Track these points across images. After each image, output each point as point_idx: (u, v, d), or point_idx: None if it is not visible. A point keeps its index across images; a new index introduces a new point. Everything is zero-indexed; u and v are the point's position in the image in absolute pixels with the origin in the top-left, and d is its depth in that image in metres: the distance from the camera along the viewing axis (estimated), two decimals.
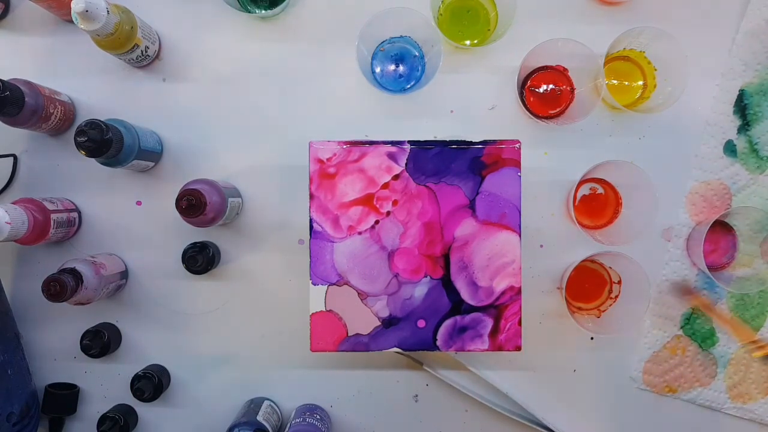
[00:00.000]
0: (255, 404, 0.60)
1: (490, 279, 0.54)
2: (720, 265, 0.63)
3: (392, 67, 0.62)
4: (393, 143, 0.54)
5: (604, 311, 0.62)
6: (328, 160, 0.54)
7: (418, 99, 0.62)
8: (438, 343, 0.54)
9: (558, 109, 0.63)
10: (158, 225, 0.63)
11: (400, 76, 0.62)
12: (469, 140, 0.54)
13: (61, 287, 0.51)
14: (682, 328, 0.63)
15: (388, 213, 0.54)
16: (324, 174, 0.54)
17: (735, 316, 0.41)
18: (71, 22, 0.60)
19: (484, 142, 0.54)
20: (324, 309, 0.54)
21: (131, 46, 0.56)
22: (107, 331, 0.60)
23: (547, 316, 0.63)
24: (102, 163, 0.54)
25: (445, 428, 0.64)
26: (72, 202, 0.62)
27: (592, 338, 0.63)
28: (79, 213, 0.63)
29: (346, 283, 0.54)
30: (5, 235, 0.50)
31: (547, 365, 0.63)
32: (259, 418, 0.57)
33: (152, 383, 0.58)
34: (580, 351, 0.63)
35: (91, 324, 0.61)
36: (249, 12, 0.61)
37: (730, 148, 0.63)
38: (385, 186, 0.54)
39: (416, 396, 0.64)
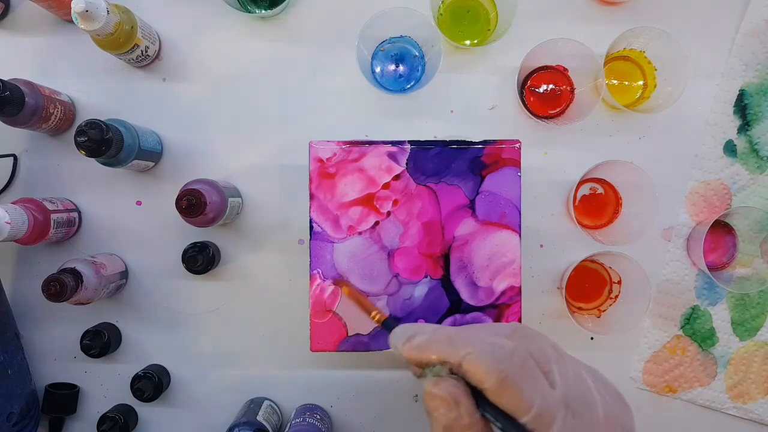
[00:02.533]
0: (255, 404, 0.60)
1: (490, 279, 0.54)
2: (720, 265, 0.63)
3: (392, 67, 0.62)
4: (393, 143, 0.54)
5: (604, 311, 0.62)
6: (328, 159, 0.54)
7: (418, 99, 0.62)
8: None
9: (558, 109, 0.63)
10: (158, 225, 0.63)
11: (400, 76, 0.62)
12: (469, 140, 0.54)
13: (61, 287, 0.51)
14: (682, 328, 0.63)
15: (389, 213, 0.54)
16: (324, 174, 0.54)
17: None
18: (71, 22, 0.61)
19: (484, 142, 0.54)
20: (324, 309, 0.54)
21: (131, 46, 0.56)
22: (107, 331, 0.60)
23: (547, 316, 0.63)
24: (102, 163, 0.54)
25: None
26: (72, 202, 0.62)
27: (592, 338, 0.63)
28: (79, 213, 0.63)
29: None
30: (5, 235, 0.50)
31: None
32: (259, 418, 0.57)
33: (152, 383, 0.58)
34: (580, 351, 0.63)
35: (91, 324, 0.61)
36: (249, 12, 0.61)
37: (730, 148, 0.63)
38: (386, 186, 0.54)
39: (416, 396, 0.64)
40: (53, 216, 0.57)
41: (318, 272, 0.54)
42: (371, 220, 0.54)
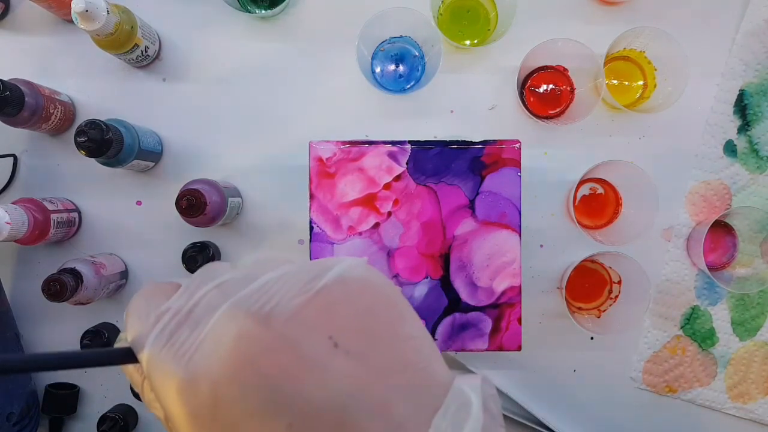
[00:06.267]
0: None
1: (489, 279, 0.54)
2: (720, 265, 0.63)
3: (392, 67, 0.62)
4: (393, 143, 0.54)
5: (604, 311, 0.62)
6: (327, 159, 0.54)
7: (418, 99, 0.62)
8: (437, 343, 0.54)
9: (558, 109, 0.63)
10: (158, 225, 0.63)
11: (400, 76, 0.62)
12: (469, 140, 0.54)
13: (61, 287, 0.51)
14: (682, 328, 0.63)
15: (389, 214, 0.54)
16: (324, 173, 0.54)
17: None
18: (71, 22, 0.60)
19: (484, 142, 0.54)
20: None
21: (131, 46, 0.56)
22: (107, 331, 0.60)
23: (547, 316, 0.63)
24: (102, 163, 0.54)
25: None
26: (72, 202, 0.62)
27: (592, 338, 0.63)
28: (79, 213, 0.63)
29: None
30: (5, 235, 0.50)
31: (547, 365, 0.63)
32: None
33: None
34: (580, 351, 0.63)
35: (91, 324, 0.61)
36: (249, 12, 0.61)
37: (730, 148, 0.63)
38: (387, 186, 0.54)
39: None
40: (53, 216, 0.57)
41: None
42: (371, 221, 0.54)
